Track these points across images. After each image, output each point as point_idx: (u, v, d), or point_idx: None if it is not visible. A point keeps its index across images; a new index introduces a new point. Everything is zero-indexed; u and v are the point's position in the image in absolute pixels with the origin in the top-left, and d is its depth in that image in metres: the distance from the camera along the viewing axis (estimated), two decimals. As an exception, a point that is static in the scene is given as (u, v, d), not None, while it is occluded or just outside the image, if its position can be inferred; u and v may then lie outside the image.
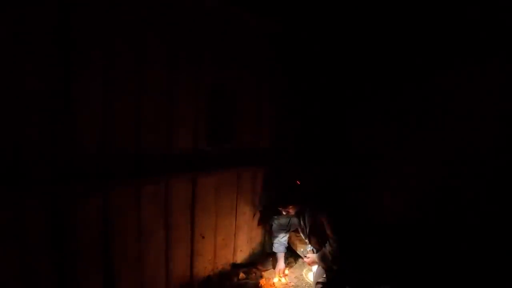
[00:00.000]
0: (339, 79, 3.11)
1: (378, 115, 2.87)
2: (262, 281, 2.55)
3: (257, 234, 2.99)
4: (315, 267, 2.56)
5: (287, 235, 2.76)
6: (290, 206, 2.39)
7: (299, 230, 2.66)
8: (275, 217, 2.73)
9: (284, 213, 2.47)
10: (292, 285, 2.59)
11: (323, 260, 2.39)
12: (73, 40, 1.65)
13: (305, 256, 2.61)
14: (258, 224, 2.95)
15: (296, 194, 2.41)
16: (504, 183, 2.20)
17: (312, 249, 2.60)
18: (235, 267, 2.74)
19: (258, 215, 2.92)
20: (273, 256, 2.83)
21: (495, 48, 2.16)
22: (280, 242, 2.72)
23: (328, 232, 2.34)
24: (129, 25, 1.87)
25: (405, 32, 2.60)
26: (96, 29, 1.73)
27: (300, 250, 2.85)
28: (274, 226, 2.74)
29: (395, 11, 2.64)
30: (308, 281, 2.62)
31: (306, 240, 2.61)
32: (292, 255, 2.97)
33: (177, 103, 2.15)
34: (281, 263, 2.70)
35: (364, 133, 2.98)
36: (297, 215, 2.53)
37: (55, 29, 1.59)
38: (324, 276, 2.39)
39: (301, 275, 2.73)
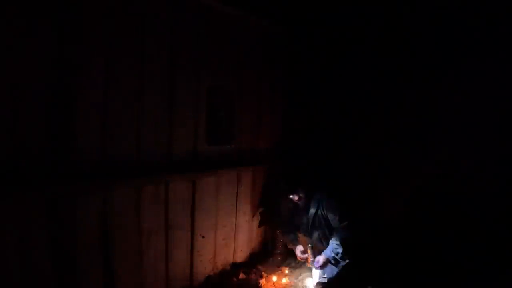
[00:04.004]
0: (339, 78, 3.11)
1: (379, 117, 2.88)
2: (262, 281, 2.54)
3: (257, 234, 2.99)
4: (315, 270, 2.52)
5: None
6: (300, 189, 2.37)
7: (301, 228, 2.62)
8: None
9: (294, 197, 2.40)
10: (292, 285, 2.59)
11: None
12: (74, 41, 1.66)
13: (303, 255, 2.57)
14: (259, 225, 2.95)
15: (305, 178, 2.42)
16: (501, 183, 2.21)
17: (311, 247, 2.54)
18: (235, 267, 2.74)
19: (258, 216, 2.92)
20: (274, 256, 2.86)
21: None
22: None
23: (334, 222, 2.35)
24: (129, 25, 1.87)
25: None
26: (96, 31, 1.73)
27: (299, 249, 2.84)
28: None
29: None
30: (308, 283, 2.60)
31: (307, 238, 2.58)
32: (291, 255, 2.96)
33: (177, 104, 2.15)
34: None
35: (364, 133, 2.98)
36: (301, 210, 2.51)
37: (56, 30, 1.59)
38: (324, 276, 2.39)
39: (301, 275, 2.72)
